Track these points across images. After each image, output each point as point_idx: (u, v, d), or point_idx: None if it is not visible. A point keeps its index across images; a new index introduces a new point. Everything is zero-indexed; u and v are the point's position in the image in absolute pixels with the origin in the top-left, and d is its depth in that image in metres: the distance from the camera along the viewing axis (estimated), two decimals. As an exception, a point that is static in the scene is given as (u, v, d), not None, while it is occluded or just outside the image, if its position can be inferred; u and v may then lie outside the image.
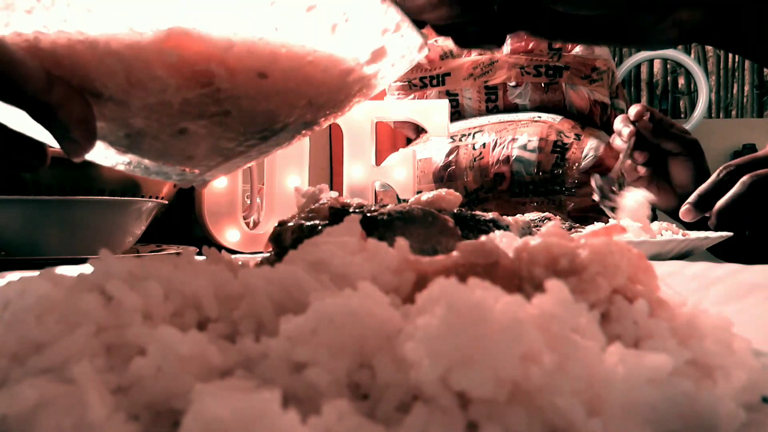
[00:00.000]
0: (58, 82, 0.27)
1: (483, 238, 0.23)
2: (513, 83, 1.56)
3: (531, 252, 0.21)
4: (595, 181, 0.88)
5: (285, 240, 0.28)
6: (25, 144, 0.32)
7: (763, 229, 0.69)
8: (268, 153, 0.33)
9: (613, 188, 0.87)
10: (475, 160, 1.41)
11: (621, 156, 0.89)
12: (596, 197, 0.88)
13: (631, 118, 0.89)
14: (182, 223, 1.09)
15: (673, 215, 0.90)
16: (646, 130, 0.87)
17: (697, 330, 0.21)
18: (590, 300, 0.20)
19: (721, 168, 0.69)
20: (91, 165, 0.76)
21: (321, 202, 0.32)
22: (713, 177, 0.70)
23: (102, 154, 0.31)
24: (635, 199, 0.81)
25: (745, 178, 0.66)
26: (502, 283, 0.19)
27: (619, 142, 0.92)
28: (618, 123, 0.91)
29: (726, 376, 0.19)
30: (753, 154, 0.72)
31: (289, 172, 0.94)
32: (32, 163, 0.33)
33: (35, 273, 0.22)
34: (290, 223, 0.29)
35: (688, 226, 0.78)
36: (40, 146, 0.33)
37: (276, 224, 0.31)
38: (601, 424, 0.16)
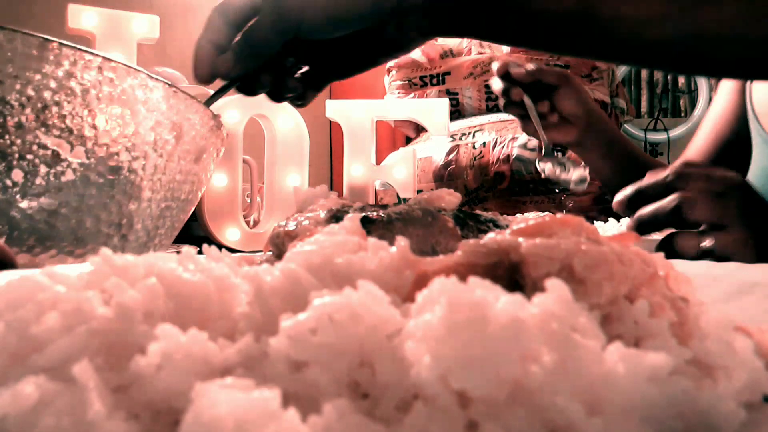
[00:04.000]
0: None
1: (484, 238, 0.23)
2: (513, 82, 1.55)
3: (535, 257, 0.21)
4: (541, 165, 0.98)
5: (283, 244, 0.28)
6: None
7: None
8: None
9: (558, 169, 0.98)
10: (475, 159, 1.41)
11: (538, 125, 0.96)
12: (546, 174, 0.98)
13: (498, 74, 0.98)
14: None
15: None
16: (524, 76, 0.95)
17: (698, 329, 0.21)
18: (591, 303, 0.20)
19: (673, 169, 0.64)
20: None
21: (320, 202, 0.32)
22: (660, 176, 0.65)
23: None
24: (579, 176, 0.94)
25: (673, 196, 0.62)
26: (502, 283, 0.19)
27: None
28: (499, 89, 0.98)
29: (727, 376, 0.19)
30: (710, 167, 0.68)
31: (289, 171, 0.94)
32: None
33: (35, 272, 0.22)
34: (290, 225, 0.29)
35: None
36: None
37: (276, 224, 0.31)
38: (601, 423, 0.16)
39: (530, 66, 0.96)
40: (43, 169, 0.40)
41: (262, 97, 0.61)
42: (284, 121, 0.94)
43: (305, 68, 0.61)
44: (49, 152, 0.40)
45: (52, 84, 0.40)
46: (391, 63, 1.70)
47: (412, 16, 0.58)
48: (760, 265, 0.48)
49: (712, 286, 0.39)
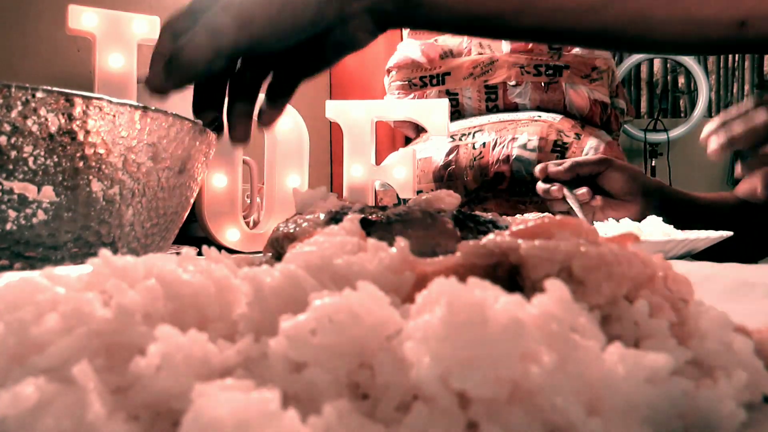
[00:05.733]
0: None
1: (484, 239, 0.23)
2: (513, 82, 1.56)
3: (535, 258, 0.21)
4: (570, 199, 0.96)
5: (283, 246, 0.28)
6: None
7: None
8: None
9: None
10: (475, 160, 1.41)
11: (581, 216, 0.95)
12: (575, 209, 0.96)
13: (541, 177, 0.97)
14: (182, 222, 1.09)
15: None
16: (562, 174, 0.95)
17: (698, 329, 0.21)
18: (591, 303, 0.20)
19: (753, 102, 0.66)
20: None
21: (320, 204, 0.32)
22: (743, 107, 0.67)
23: None
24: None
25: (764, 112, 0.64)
26: (502, 284, 0.19)
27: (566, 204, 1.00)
28: (541, 189, 0.98)
29: (727, 376, 0.19)
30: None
31: (289, 172, 0.94)
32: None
33: (35, 273, 0.22)
34: (289, 227, 0.29)
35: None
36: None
37: (275, 225, 0.31)
38: (600, 424, 0.16)
39: (567, 163, 0.96)
40: (11, 213, 0.40)
41: (261, 97, 0.61)
42: (284, 121, 0.94)
43: (268, 80, 0.61)
44: (15, 197, 0.40)
45: (7, 127, 0.39)
46: (390, 63, 1.70)
47: (356, 19, 0.59)
48: (758, 265, 0.48)
49: (711, 286, 0.39)
